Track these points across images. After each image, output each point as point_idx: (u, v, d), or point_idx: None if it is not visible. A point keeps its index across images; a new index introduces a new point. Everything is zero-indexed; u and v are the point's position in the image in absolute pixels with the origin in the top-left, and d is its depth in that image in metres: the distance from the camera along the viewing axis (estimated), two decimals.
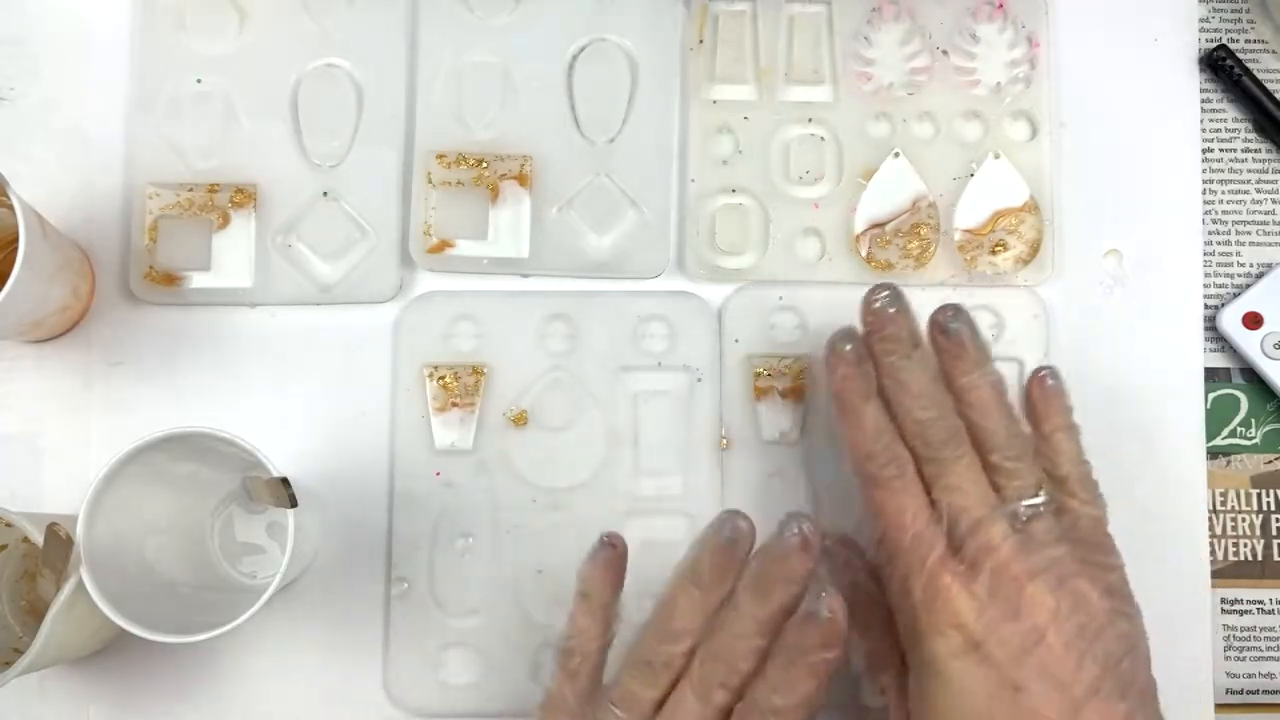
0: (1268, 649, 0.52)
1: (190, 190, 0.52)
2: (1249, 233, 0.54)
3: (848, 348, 0.44)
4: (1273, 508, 0.52)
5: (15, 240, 0.43)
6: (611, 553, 0.43)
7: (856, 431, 0.44)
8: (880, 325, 0.44)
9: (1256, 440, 0.53)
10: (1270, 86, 0.54)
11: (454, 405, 0.51)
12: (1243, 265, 0.53)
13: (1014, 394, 0.52)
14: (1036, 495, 0.42)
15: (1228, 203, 0.54)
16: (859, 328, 0.45)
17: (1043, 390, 0.45)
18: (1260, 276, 0.53)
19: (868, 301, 0.45)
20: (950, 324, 0.44)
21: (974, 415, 0.43)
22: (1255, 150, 0.54)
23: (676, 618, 0.41)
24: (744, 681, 0.41)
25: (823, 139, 0.53)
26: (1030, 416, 0.45)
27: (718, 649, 0.41)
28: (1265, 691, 0.51)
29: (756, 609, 0.41)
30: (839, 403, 0.45)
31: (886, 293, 0.44)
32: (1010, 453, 0.43)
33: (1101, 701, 0.38)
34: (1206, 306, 0.53)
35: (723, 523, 0.42)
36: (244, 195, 0.52)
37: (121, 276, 0.52)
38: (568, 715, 0.42)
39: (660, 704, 0.41)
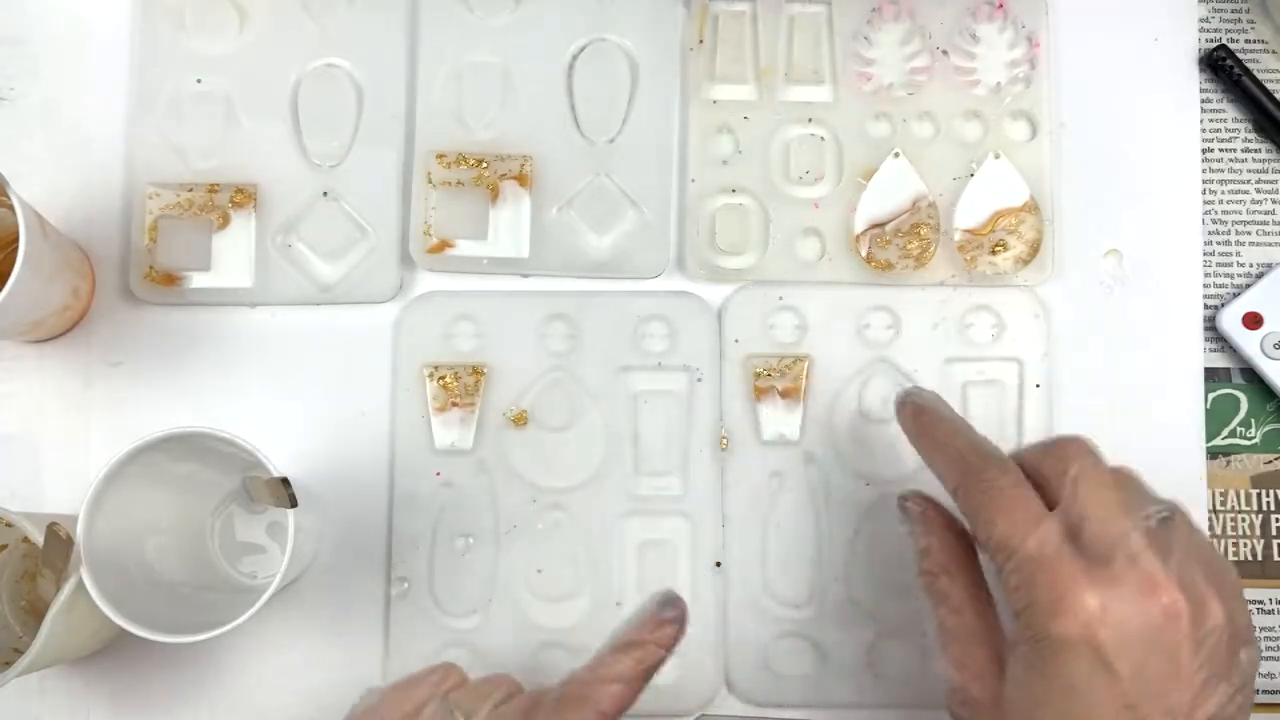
0: (1268, 649, 0.52)
1: (190, 190, 0.52)
2: (1249, 233, 0.54)
3: (913, 395, 0.45)
4: (1273, 508, 0.52)
5: (15, 240, 0.43)
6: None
7: (943, 441, 0.43)
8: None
9: (1256, 440, 0.53)
10: (1270, 86, 0.54)
11: (454, 405, 0.51)
12: (1243, 265, 0.53)
13: (1012, 396, 0.52)
14: (1163, 500, 0.40)
15: (1228, 203, 0.54)
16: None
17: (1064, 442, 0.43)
18: (1260, 276, 0.53)
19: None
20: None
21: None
22: (1255, 150, 0.54)
23: None
24: None
25: (823, 139, 0.53)
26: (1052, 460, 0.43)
27: None
28: (1265, 691, 0.51)
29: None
30: (920, 433, 0.44)
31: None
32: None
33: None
34: (1206, 306, 0.53)
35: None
36: (244, 195, 0.52)
37: (121, 276, 0.52)
38: None
39: None
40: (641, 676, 0.41)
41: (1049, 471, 0.41)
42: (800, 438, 0.51)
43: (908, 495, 0.45)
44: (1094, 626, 0.38)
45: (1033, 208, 0.52)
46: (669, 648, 0.42)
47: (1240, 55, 0.54)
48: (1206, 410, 0.52)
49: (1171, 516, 0.39)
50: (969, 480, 0.42)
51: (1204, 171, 0.54)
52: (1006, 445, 0.51)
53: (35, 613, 0.48)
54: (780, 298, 0.52)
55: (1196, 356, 0.53)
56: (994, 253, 0.52)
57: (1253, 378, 0.53)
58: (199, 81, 0.52)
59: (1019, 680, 0.40)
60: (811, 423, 0.51)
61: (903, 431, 0.45)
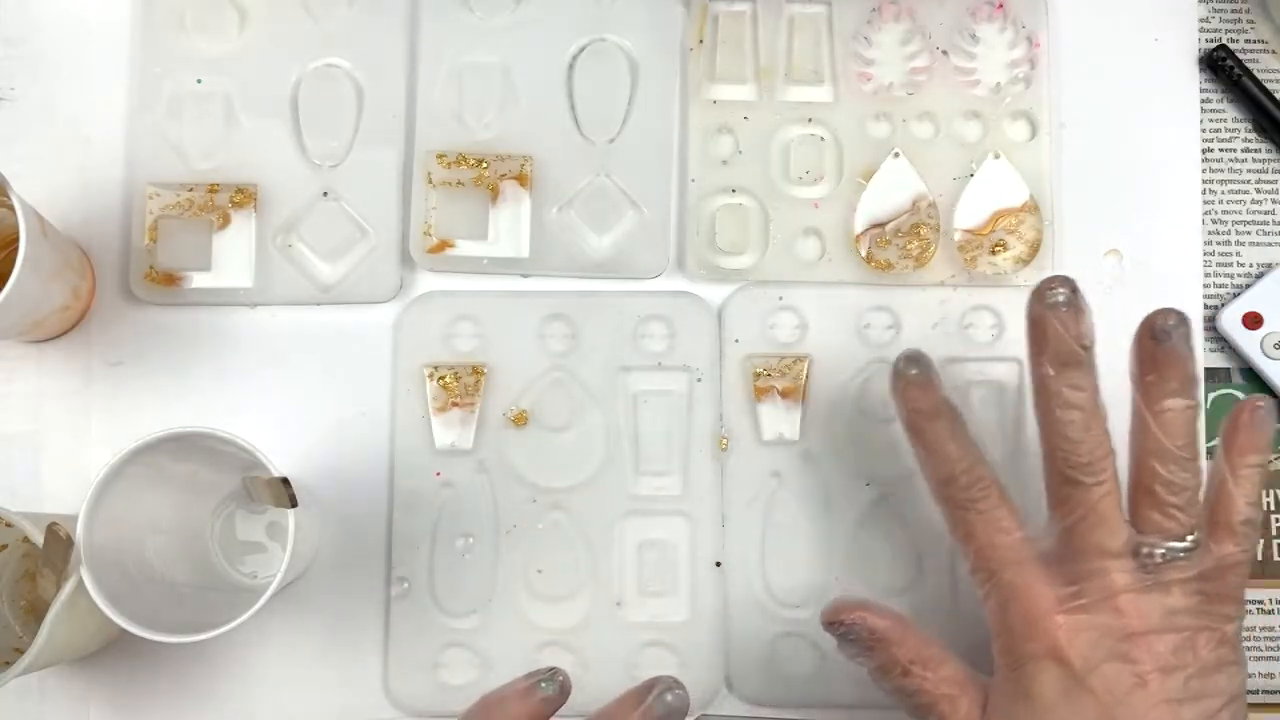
0: (1268, 649, 0.52)
1: (190, 190, 0.52)
2: (1249, 233, 0.54)
3: (913, 371, 0.43)
4: (1273, 508, 0.52)
5: (15, 240, 0.43)
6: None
7: (934, 457, 0.43)
8: (1048, 327, 0.40)
9: None
10: (1270, 86, 0.54)
11: (454, 405, 0.51)
12: (1243, 265, 0.53)
13: (1012, 396, 0.52)
14: (1184, 540, 0.39)
15: (1228, 203, 0.54)
16: (921, 350, 0.44)
17: (1254, 420, 0.41)
18: (1260, 276, 0.53)
19: (1040, 295, 0.41)
20: (1172, 330, 0.39)
21: (1158, 438, 0.40)
22: (1255, 150, 0.54)
23: None
24: None
25: (823, 139, 0.53)
26: (1227, 444, 0.41)
27: None
28: (1265, 691, 0.51)
29: None
30: (912, 430, 0.44)
31: (1064, 289, 0.40)
32: (1176, 493, 0.40)
33: None
34: (1206, 306, 0.53)
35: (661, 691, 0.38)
36: (244, 195, 0.52)
37: (121, 276, 0.52)
38: None
39: None
40: None
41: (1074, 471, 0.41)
42: (800, 438, 0.51)
43: (834, 616, 0.43)
44: (1062, 647, 0.39)
45: (1033, 208, 0.52)
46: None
47: (1240, 55, 0.54)
48: (1206, 410, 0.52)
49: (1180, 555, 0.39)
50: (953, 494, 0.42)
51: (1204, 171, 0.54)
52: (1007, 448, 0.51)
53: (35, 613, 0.48)
54: (780, 298, 0.52)
55: (1196, 356, 0.52)
56: (994, 253, 0.52)
57: (1253, 378, 0.53)
58: (199, 81, 0.52)
59: (1001, 709, 0.40)
60: (811, 423, 0.51)
61: (896, 403, 0.44)
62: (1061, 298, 0.40)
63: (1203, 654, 0.39)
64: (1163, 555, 0.39)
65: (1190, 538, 0.40)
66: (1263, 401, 0.42)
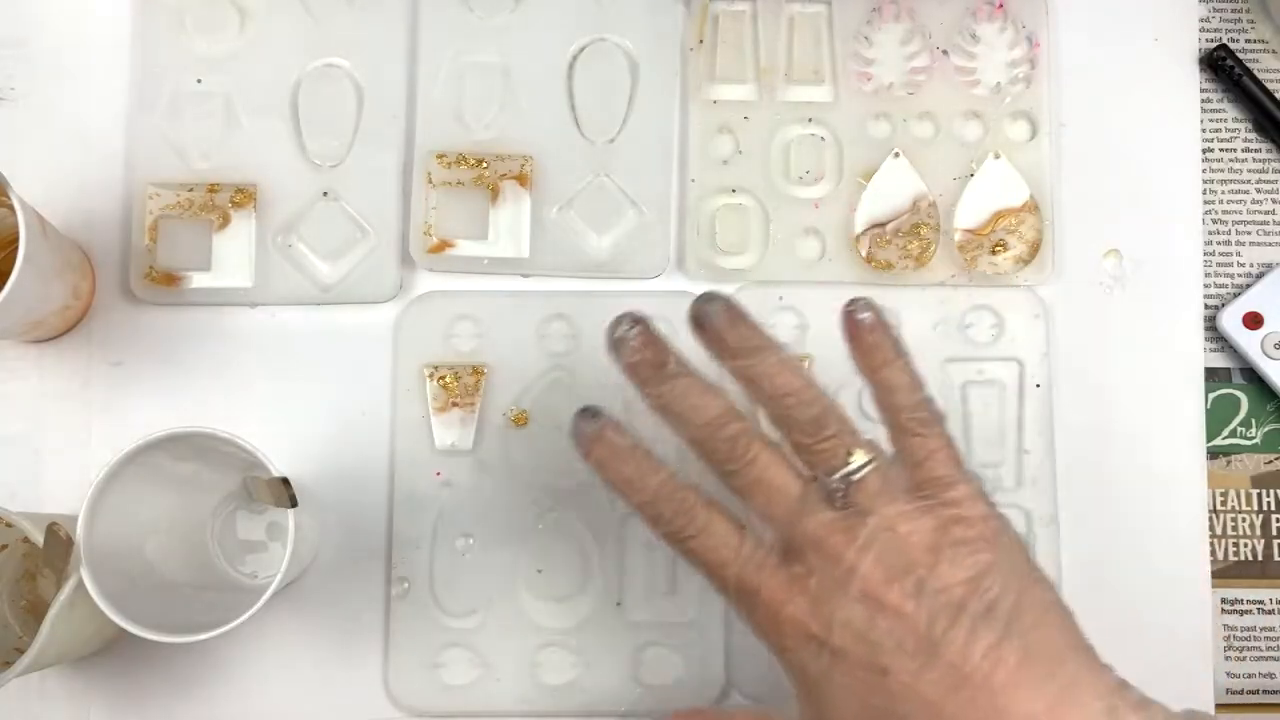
0: (1268, 649, 0.52)
1: (190, 190, 0.52)
2: (1249, 233, 0.54)
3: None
4: (1273, 508, 0.52)
5: (15, 240, 0.43)
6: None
7: (636, 496, 0.41)
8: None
9: (1256, 440, 0.53)
10: (1270, 86, 0.54)
11: (454, 405, 0.51)
12: (1243, 265, 0.53)
13: (1012, 396, 0.52)
14: (846, 463, 0.38)
15: (1228, 203, 0.54)
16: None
17: (857, 329, 0.41)
18: (1260, 276, 0.53)
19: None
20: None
21: (768, 395, 0.40)
22: (1255, 150, 0.54)
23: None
24: None
25: (823, 139, 0.53)
26: (857, 362, 0.41)
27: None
28: (1265, 691, 0.51)
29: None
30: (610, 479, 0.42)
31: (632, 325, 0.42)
32: (808, 429, 0.39)
33: (955, 641, 0.35)
34: (1206, 306, 0.53)
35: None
36: (244, 195, 0.52)
37: (121, 276, 0.52)
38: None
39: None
40: None
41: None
42: None
43: None
44: (805, 625, 0.37)
45: (1033, 208, 0.52)
46: None
47: (1240, 55, 0.54)
48: (1206, 410, 0.52)
49: (855, 474, 0.38)
50: (663, 530, 0.41)
51: (1204, 171, 0.54)
52: (1007, 448, 0.51)
53: (35, 613, 0.48)
54: (780, 298, 0.52)
55: (1196, 356, 0.53)
56: (994, 253, 0.52)
57: (1253, 378, 0.53)
58: (199, 81, 0.52)
59: (801, 703, 0.39)
60: None
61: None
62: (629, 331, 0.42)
63: (925, 545, 0.37)
64: (839, 482, 0.38)
65: (853, 456, 0.39)
66: (855, 304, 0.41)
